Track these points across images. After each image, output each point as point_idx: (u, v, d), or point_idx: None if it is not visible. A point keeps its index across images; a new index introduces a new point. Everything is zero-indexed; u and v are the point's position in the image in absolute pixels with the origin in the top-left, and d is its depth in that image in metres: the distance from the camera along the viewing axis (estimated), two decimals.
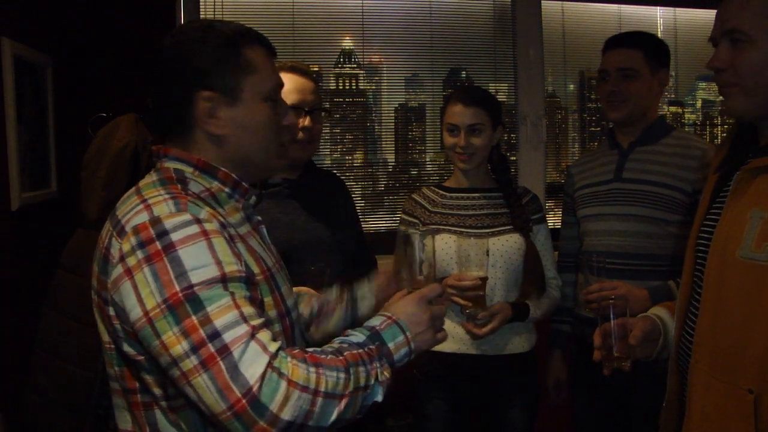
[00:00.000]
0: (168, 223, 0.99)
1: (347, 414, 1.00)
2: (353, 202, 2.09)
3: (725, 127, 3.61)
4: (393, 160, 3.27)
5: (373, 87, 3.24)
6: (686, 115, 3.62)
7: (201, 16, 2.93)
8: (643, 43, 1.93)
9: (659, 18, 3.49)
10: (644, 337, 1.37)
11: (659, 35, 3.44)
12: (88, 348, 2.14)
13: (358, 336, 1.09)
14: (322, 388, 0.96)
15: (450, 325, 1.92)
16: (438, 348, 1.91)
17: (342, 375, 0.99)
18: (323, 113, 1.98)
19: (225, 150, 1.13)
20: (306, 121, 1.84)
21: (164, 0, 2.82)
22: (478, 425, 2.04)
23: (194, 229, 0.99)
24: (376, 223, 3.19)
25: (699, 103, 3.65)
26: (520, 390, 1.96)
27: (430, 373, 1.98)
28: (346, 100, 3.19)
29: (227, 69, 1.11)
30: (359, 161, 3.23)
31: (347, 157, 3.21)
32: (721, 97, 1.29)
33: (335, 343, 1.07)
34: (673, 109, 3.57)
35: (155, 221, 0.99)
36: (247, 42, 1.14)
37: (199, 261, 0.97)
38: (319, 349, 1.05)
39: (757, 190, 1.18)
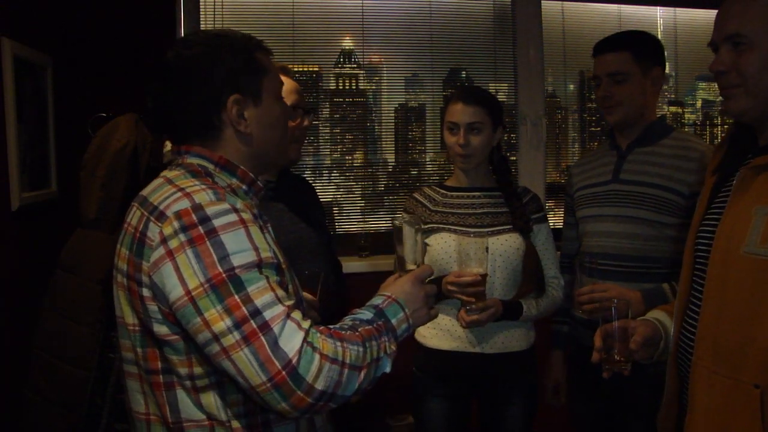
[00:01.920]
0: (210, 210, 1.06)
1: (364, 384, 1.09)
2: (323, 206, 2.12)
3: (725, 127, 3.61)
4: (393, 160, 3.27)
5: (373, 87, 3.23)
6: (686, 115, 3.62)
7: (201, 16, 2.93)
8: (630, 45, 1.90)
9: (659, 18, 3.49)
10: (645, 342, 1.37)
11: (659, 35, 3.45)
12: (85, 347, 2.15)
13: (365, 314, 1.18)
14: (348, 360, 1.05)
15: (449, 324, 1.93)
16: (437, 346, 1.95)
17: (360, 348, 1.08)
18: (311, 114, 2.00)
19: (250, 146, 1.21)
20: (306, 121, 1.84)
21: (164, 0, 2.82)
22: (476, 423, 2.04)
23: (233, 217, 1.07)
24: (376, 223, 3.19)
25: (699, 103, 3.65)
26: (519, 388, 1.96)
27: (429, 371, 1.98)
28: (346, 100, 3.19)
29: (251, 72, 1.20)
30: (359, 161, 3.23)
31: (347, 157, 3.21)
32: (721, 98, 1.31)
33: (348, 321, 1.16)
34: (673, 109, 3.57)
35: (197, 208, 1.06)
36: (254, 46, 1.23)
37: (239, 246, 1.05)
38: (337, 325, 1.13)
39: (760, 188, 1.20)
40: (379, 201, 3.23)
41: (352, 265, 2.86)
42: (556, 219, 3.21)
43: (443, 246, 1.92)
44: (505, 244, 1.92)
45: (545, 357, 2.15)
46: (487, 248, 1.84)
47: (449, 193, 2.03)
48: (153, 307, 1.08)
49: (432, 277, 1.95)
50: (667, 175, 1.85)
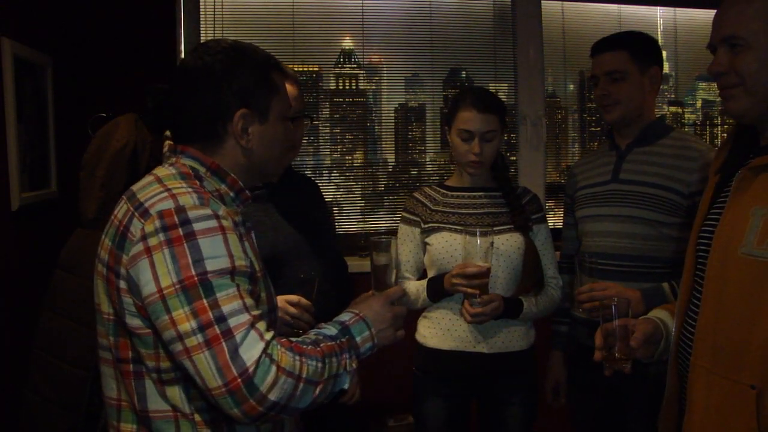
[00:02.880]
0: (192, 214, 1.09)
1: (320, 398, 1.12)
2: (327, 205, 2.11)
3: (725, 127, 3.61)
4: (393, 160, 3.27)
5: (373, 87, 3.24)
6: (686, 115, 3.62)
7: (201, 17, 2.93)
8: (627, 44, 1.92)
9: (659, 18, 3.49)
10: (645, 339, 1.37)
11: (659, 35, 3.45)
12: (84, 347, 2.15)
13: (330, 329, 1.20)
14: (304, 375, 1.08)
15: (449, 324, 1.93)
16: (437, 346, 1.95)
17: (319, 364, 1.11)
18: (310, 120, 1.99)
19: (248, 160, 1.24)
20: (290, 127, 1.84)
21: (164, 0, 2.82)
22: (477, 423, 2.04)
23: (213, 223, 1.09)
24: (376, 223, 3.19)
25: (699, 103, 3.65)
26: (519, 388, 1.96)
27: (429, 371, 1.98)
28: (346, 100, 3.19)
29: (262, 90, 1.22)
30: (359, 161, 3.23)
31: (347, 157, 3.21)
32: (721, 99, 1.31)
33: (311, 335, 1.18)
34: (673, 109, 3.57)
35: (180, 210, 1.09)
36: (272, 66, 1.25)
37: (215, 252, 1.08)
38: (300, 339, 1.16)
39: (758, 188, 1.20)
40: (379, 201, 3.23)
41: (351, 265, 2.85)
42: (556, 219, 3.21)
43: (444, 245, 1.93)
44: (506, 244, 1.92)
45: (545, 357, 2.15)
46: (492, 243, 1.84)
47: (450, 193, 2.03)
48: (128, 299, 1.11)
49: (432, 276, 1.97)
50: (666, 174, 1.86)
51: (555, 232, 2.13)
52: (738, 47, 1.23)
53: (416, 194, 2.08)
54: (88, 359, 2.16)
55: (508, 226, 1.95)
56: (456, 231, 1.93)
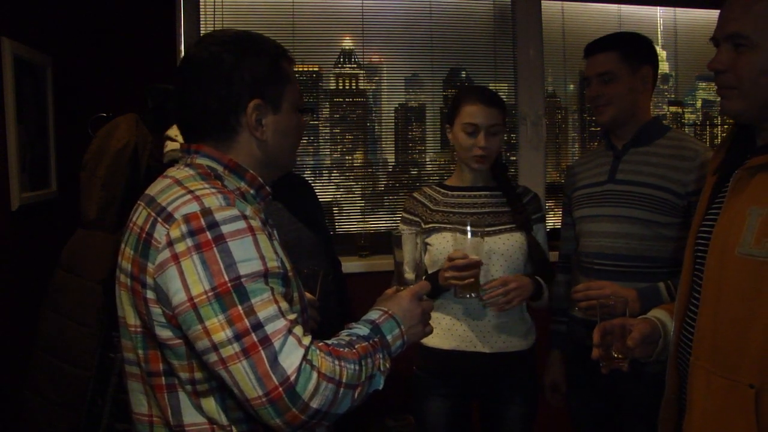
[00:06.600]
0: (219, 216, 1.04)
1: (357, 401, 1.07)
2: (321, 204, 2.12)
3: (725, 127, 3.61)
4: (393, 160, 3.27)
5: (373, 87, 3.23)
6: (686, 115, 3.62)
7: (201, 16, 2.93)
8: (617, 45, 1.92)
9: (659, 18, 3.49)
10: (642, 339, 1.37)
11: (659, 35, 3.45)
12: (85, 347, 2.15)
13: (362, 329, 1.15)
14: (344, 379, 1.04)
15: (449, 323, 1.93)
16: (437, 345, 1.95)
17: (357, 367, 1.06)
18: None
19: (263, 152, 1.20)
20: None
21: (164, 0, 2.82)
22: (477, 423, 2.05)
23: (242, 224, 1.05)
24: (376, 223, 3.19)
25: (699, 103, 3.65)
26: (520, 388, 1.96)
27: (430, 371, 1.98)
28: (346, 100, 3.19)
29: (274, 80, 1.18)
30: (359, 161, 3.23)
31: (347, 157, 3.21)
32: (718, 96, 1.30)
33: (344, 336, 1.14)
34: (673, 109, 3.57)
35: (206, 212, 1.04)
36: (282, 54, 1.22)
37: (246, 254, 1.03)
38: (335, 341, 1.11)
39: (755, 188, 1.20)
40: (379, 201, 3.23)
41: (352, 265, 2.86)
42: (556, 219, 3.21)
43: (445, 246, 1.92)
44: (507, 243, 1.92)
45: (545, 357, 2.15)
46: (482, 237, 1.84)
47: (450, 193, 2.03)
48: (156, 310, 1.06)
49: (429, 273, 1.97)
50: (662, 174, 1.86)
51: (556, 232, 2.13)
52: (742, 47, 1.20)
53: (416, 194, 2.08)
54: (88, 359, 2.16)
55: (510, 226, 1.95)
56: (456, 231, 1.93)
